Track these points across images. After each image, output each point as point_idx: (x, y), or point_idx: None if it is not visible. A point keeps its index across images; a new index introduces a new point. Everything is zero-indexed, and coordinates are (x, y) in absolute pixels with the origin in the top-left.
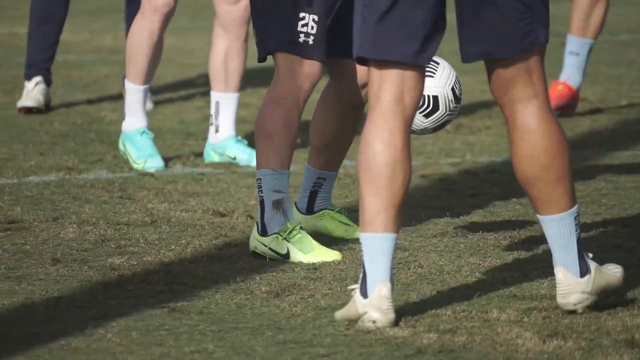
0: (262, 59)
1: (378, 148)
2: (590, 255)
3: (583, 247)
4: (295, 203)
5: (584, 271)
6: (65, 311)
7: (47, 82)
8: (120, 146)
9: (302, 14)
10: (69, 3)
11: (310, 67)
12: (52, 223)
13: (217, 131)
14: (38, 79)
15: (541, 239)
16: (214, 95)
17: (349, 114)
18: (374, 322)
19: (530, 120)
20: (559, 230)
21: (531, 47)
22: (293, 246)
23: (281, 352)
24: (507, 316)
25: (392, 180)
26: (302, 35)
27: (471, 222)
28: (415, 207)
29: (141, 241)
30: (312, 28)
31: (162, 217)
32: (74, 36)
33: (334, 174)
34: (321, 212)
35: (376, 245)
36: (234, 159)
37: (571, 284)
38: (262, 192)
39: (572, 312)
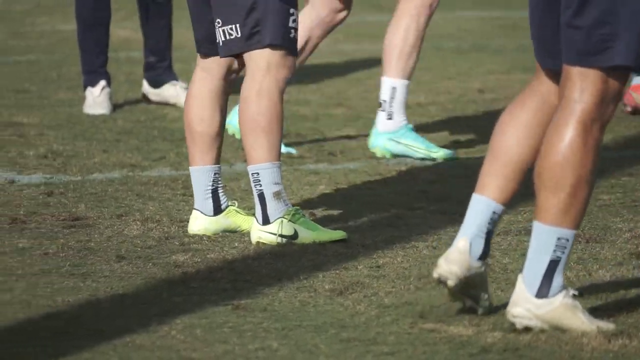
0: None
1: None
2: (575, 292)
3: (561, 272)
4: (196, 209)
5: (542, 294)
6: (129, 308)
7: (110, 84)
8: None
9: (292, 10)
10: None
11: (293, 61)
12: (116, 220)
13: (389, 118)
14: (103, 83)
15: (605, 238)
16: (390, 81)
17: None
18: (436, 268)
19: (556, 116)
20: (535, 240)
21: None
22: (300, 226)
23: (345, 350)
24: None
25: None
26: (292, 30)
27: None
28: None
29: (205, 238)
30: (297, 23)
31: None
32: (137, 34)
33: (220, 166)
34: (227, 209)
35: (475, 205)
36: (411, 147)
37: (520, 296)
38: (261, 186)
39: (512, 323)
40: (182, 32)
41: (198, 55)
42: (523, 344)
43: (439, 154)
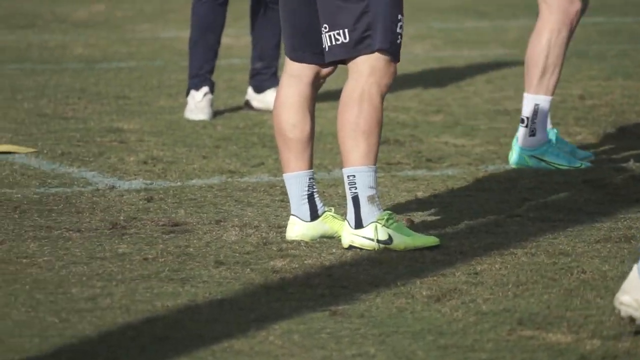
0: (355, 57)
1: None
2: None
3: None
4: (293, 215)
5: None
6: (228, 313)
7: (213, 91)
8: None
9: (399, 16)
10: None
11: (395, 68)
12: (215, 226)
13: (532, 135)
14: (205, 89)
15: None
16: (532, 98)
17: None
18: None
19: None
20: None
21: None
22: (394, 231)
23: (442, 357)
24: None
25: None
26: (399, 36)
27: (635, 227)
28: (578, 212)
29: (302, 244)
30: (402, 30)
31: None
32: (238, 40)
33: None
34: (324, 215)
35: None
36: (554, 164)
37: (632, 285)
38: (356, 189)
39: (617, 310)
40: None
41: (286, 61)
42: (622, 351)
43: (582, 168)
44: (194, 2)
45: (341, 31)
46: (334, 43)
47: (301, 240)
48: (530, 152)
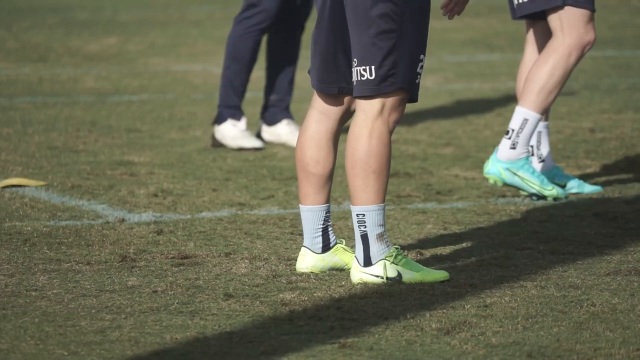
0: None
1: None
2: None
3: None
4: (305, 247)
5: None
6: (237, 346)
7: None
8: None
9: (422, 56)
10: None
11: (405, 106)
12: (225, 258)
13: (513, 148)
14: (245, 119)
15: None
16: (523, 112)
17: (338, 136)
18: None
19: None
20: None
21: None
22: (403, 268)
23: None
24: None
25: None
26: (418, 76)
27: None
28: (588, 245)
29: (312, 277)
30: (422, 70)
31: None
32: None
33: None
34: (335, 247)
35: None
36: (527, 181)
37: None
38: (365, 227)
39: None
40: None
41: (315, 97)
42: None
43: (552, 192)
44: (240, 33)
45: (367, 67)
46: (359, 79)
47: (311, 273)
48: (507, 164)
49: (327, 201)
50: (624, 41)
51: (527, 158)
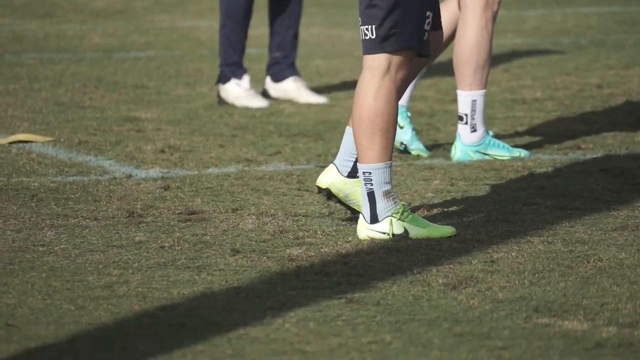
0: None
1: None
2: None
3: None
4: (333, 164)
5: None
6: (244, 301)
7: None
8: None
9: (428, 12)
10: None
11: (420, 61)
12: (232, 214)
13: (474, 130)
14: (248, 76)
15: None
16: (468, 94)
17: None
18: None
19: None
20: None
21: None
22: (409, 224)
23: (458, 345)
24: None
25: None
26: (426, 33)
27: None
28: (595, 200)
29: (319, 232)
30: (429, 25)
31: (340, 209)
32: (254, 30)
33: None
34: (358, 179)
35: None
36: (497, 157)
37: None
38: (372, 185)
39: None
40: (301, 29)
41: None
42: (638, 339)
43: (520, 156)
44: None
45: (369, 27)
46: (364, 37)
47: (317, 229)
48: (474, 147)
49: None
50: None
51: (488, 133)
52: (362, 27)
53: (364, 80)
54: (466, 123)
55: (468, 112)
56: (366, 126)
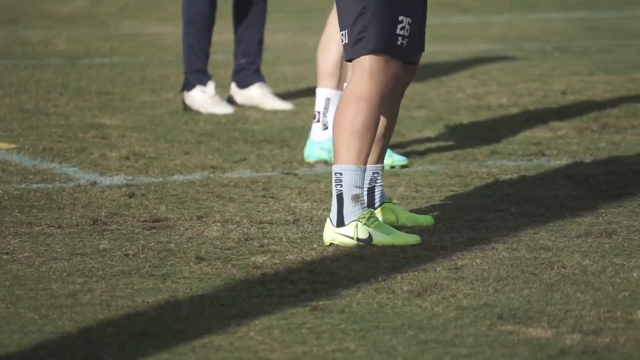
0: (351, 59)
1: None
2: None
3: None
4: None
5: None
6: (208, 309)
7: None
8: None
9: (400, 17)
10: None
11: (398, 68)
12: (196, 222)
13: (325, 128)
14: (213, 83)
15: None
16: (324, 92)
17: (398, 101)
18: None
19: None
20: None
21: None
22: (375, 230)
23: (422, 352)
24: None
25: None
26: (399, 38)
27: (616, 222)
28: (559, 207)
29: (284, 240)
30: (407, 31)
31: (305, 216)
32: (220, 37)
33: (383, 166)
34: (383, 206)
35: None
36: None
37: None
38: (341, 187)
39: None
40: (267, 35)
41: None
42: (602, 346)
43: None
44: None
45: (343, 32)
46: (342, 42)
47: (282, 237)
48: (323, 144)
49: (378, 162)
50: (595, 3)
51: None
52: (340, 32)
53: (350, 84)
54: (318, 121)
55: (321, 109)
56: (344, 127)
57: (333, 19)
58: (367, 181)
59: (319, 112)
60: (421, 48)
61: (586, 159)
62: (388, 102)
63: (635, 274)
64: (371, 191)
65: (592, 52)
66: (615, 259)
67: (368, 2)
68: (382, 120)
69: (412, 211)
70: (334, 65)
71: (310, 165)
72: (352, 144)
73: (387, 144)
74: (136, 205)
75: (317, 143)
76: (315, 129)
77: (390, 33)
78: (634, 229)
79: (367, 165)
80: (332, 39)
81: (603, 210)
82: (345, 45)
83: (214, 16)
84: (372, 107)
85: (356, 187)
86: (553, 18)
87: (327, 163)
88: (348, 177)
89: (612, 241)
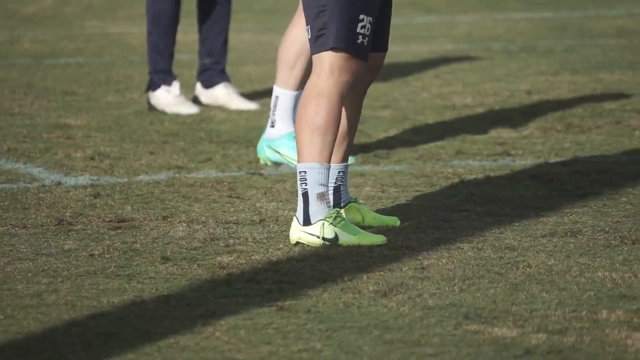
0: (314, 54)
1: None
2: None
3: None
4: None
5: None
6: (174, 309)
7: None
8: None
9: (361, 16)
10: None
11: (358, 66)
12: (162, 222)
13: (272, 126)
14: (178, 83)
15: None
16: (275, 90)
17: (360, 100)
18: None
19: None
20: None
21: None
22: (341, 230)
23: (388, 352)
24: (616, 317)
25: None
26: (359, 36)
27: (581, 222)
28: (524, 207)
29: (250, 240)
30: (367, 30)
31: (271, 216)
32: (185, 36)
33: (348, 165)
34: (349, 205)
35: None
36: (286, 157)
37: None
38: (306, 185)
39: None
40: (232, 35)
41: None
42: (567, 345)
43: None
44: None
45: (307, 27)
46: (307, 38)
47: (248, 237)
48: (269, 142)
49: (342, 160)
50: (561, 3)
51: (289, 134)
52: (305, 27)
53: (311, 80)
54: (269, 117)
55: (271, 106)
56: (306, 124)
57: (296, 19)
58: (332, 180)
59: (270, 110)
60: (384, 48)
61: (551, 159)
62: (351, 101)
63: (600, 274)
64: (337, 190)
65: (557, 52)
66: (580, 259)
67: (329, 0)
68: (346, 119)
69: (377, 211)
70: (288, 63)
71: (276, 165)
72: (315, 142)
73: (351, 143)
74: (101, 205)
75: (265, 140)
76: (267, 126)
77: (350, 30)
78: (599, 228)
79: (332, 164)
80: (289, 38)
81: (568, 210)
82: (309, 41)
83: (178, 15)
84: (332, 104)
85: (321, 185)
86: (518, 18)
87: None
88: (312, 175)
89: (577, 241)
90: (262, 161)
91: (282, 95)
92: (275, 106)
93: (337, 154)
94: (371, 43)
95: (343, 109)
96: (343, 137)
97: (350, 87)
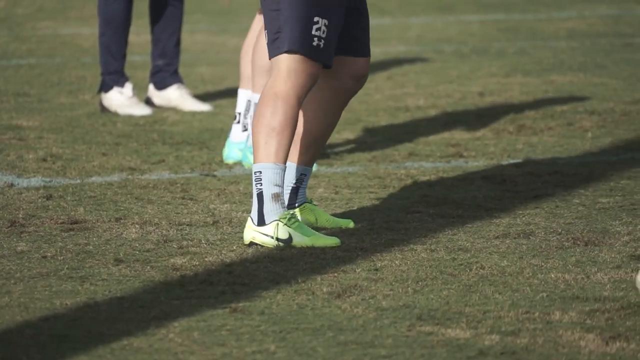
0: (271, 58)
1: None
2: None
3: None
4: None
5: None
6: (127, 311)
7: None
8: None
9: (316, 18)
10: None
11: (315, 69)
12: (115, 223)
13: (244, 130)
14: (131, 84)
15: (604, 241)
16: (246, 94)
17: (339, 110)
18: None
19: None
20: None
21: None
22: (295, 231)
23: (342, 353)
24: (569, 318)
25: None
26: (315, 39)
27: (534, 223)
28: (477, 208)
29: (203, 242)
30: (324, 32)
31: (224, 218)
32: (138, 38)
33: (311, 169)
34: (302, 206)
35: None
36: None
37: None
38: (261, 185)
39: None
40: (185, 36)
41: None
42: (520, 347)
43: None
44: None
45: (265, 31)
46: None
47: (202, 238)
48: (242, 145)
49: (308, 164)
50: (512, 5)
51: None
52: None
53: (268, 82)
54: (239, 122)
55: (242, 111)
56: (262, 125)
57: (257, 22)
58: (293, 180)
59: (239, 114)
60: (365, 53)
61: (503, 161)
62: (330, 109)
63: (552, 275)
64: (294, 191)
65: (509, 54)
66: (533, 260)
67: (282, 3)
68: (320, 125)
69: (331, 213)
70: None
71: (229, 167)
72: (270, 143)
73: (320, 148)
74: (54, 207)
75: (236, 144)
76: (235, 130)
77: (304, 33)
78: (551, 230)
79: (297, 165)
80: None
81: (520, 212)
82: (267, 44)
83: (131, 16)
84: (288, 106)
85: (276, 185)
86: (469, 20)
87: (243, 165)
88: (267, 176)
89: (530, 242)
90: (231, 163)
91: (255, 99)
92: (247, 110)
93: (305, 156)
94: (334, 47)
95: (321, 114)
96: (314, 142)
97: (331, 96)
